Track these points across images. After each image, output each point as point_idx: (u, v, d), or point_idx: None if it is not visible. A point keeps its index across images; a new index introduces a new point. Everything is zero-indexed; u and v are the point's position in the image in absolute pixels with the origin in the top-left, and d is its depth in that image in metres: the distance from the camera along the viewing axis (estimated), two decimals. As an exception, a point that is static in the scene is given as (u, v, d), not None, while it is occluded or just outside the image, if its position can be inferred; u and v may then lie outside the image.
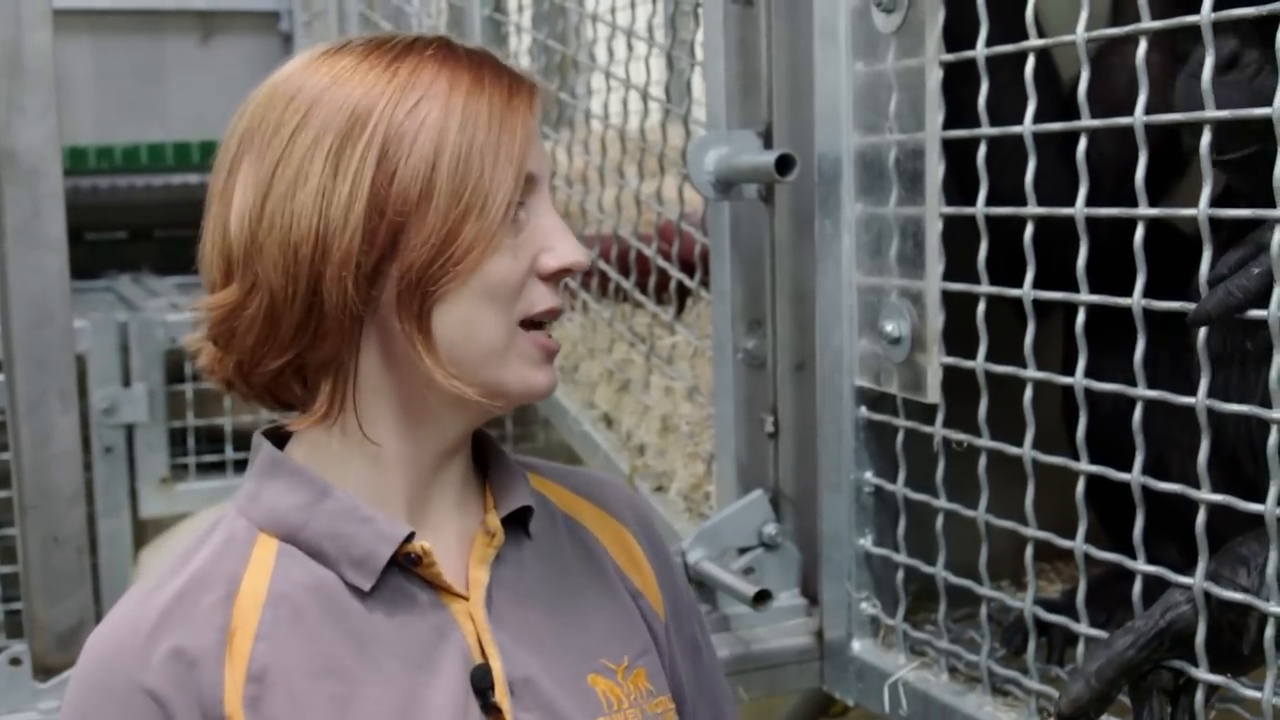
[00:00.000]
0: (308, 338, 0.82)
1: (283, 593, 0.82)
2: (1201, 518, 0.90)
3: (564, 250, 0.86)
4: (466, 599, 0.86)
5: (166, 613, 0.81)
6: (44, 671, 1.22)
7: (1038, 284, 1.02)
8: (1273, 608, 0.85)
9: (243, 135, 0.85)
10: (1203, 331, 0.91)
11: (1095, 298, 0.98)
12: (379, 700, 0.81)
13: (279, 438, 0.89)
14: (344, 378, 0.84)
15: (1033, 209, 1.03)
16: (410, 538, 0.84)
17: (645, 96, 1.71)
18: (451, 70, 0.84)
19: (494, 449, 0.94)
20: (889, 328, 1.15)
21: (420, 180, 0.81)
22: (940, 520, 1.15)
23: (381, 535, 0.84)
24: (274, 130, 0.83)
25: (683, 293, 1.68)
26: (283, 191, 0.81)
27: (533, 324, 0.86)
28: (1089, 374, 0.99)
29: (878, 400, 1.21)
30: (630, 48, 1.78)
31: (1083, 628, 1.02)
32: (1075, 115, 0.99)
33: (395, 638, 0.83)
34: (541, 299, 0.86)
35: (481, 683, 0.83)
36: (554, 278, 0.86)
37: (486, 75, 0.85)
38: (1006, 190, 1.06)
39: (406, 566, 0.85)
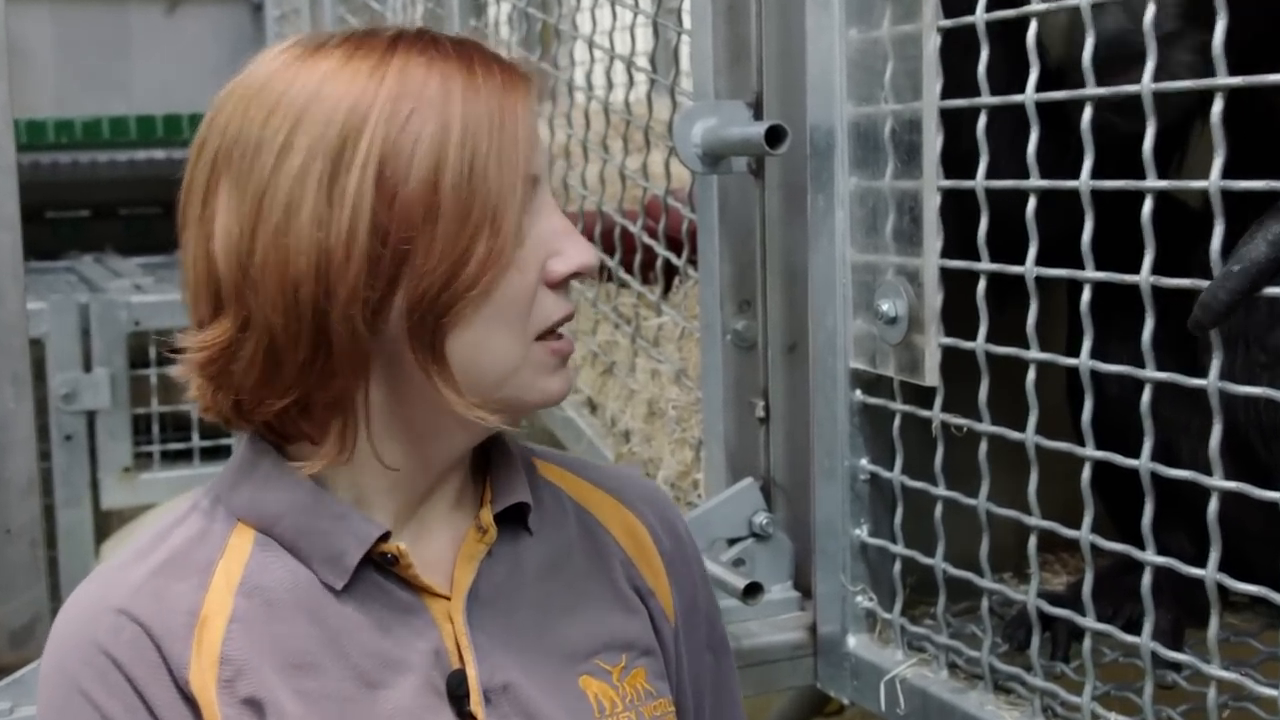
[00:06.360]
0: (314, 376, 0.79)
1: (257, 583, 0.81)
2: (1213, 505, 0.88)
3: (573, 253, 0.83)
4: (448, 599, 0.84)
5: (137, 590, 0.80)
6: (-3, 671, 1.18)
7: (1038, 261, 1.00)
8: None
9: (217, 153, 0.79)
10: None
11: (1101, 275, 0.96)
12: (348, 698, 0.79)
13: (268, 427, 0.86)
14: (353, 414, 0.81)
15: (1035, 182, 1.01)
16: (386, 537, 0.83)
17: (630, 67, 1.70)
18: (441, 70, 0.79)
19: (499, 442, 0.91)
20: (885, 307, 1.13)
21: (423, 202, 0.77)
22: (939, 509, 1.14)
23: (355, 534, 0.82)
24: (255, 150, 0.78)
25: (669, 271, 1.66)
26: (275, 223, 0.77)
27: (546, 332, 0.84)
28: (1094, 355, 0.97)
29: (873, 383, 1.20)
30: (615, 15, 1.76)
31: (1089, 622, 1.00)
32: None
33: (368, 637, 0.81)
34: (555, 309, 0.83)
35: (457, 690, 0.81)
36: (564, 283, 0.83)
37: (479, 73, 0.80)
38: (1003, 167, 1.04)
39: (384, 566, 0.83)
